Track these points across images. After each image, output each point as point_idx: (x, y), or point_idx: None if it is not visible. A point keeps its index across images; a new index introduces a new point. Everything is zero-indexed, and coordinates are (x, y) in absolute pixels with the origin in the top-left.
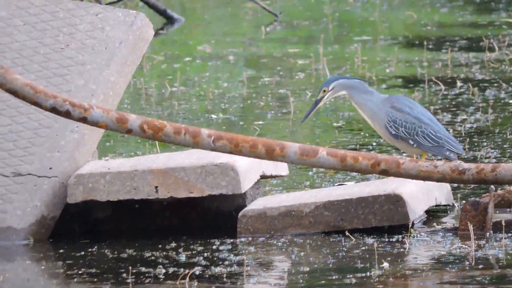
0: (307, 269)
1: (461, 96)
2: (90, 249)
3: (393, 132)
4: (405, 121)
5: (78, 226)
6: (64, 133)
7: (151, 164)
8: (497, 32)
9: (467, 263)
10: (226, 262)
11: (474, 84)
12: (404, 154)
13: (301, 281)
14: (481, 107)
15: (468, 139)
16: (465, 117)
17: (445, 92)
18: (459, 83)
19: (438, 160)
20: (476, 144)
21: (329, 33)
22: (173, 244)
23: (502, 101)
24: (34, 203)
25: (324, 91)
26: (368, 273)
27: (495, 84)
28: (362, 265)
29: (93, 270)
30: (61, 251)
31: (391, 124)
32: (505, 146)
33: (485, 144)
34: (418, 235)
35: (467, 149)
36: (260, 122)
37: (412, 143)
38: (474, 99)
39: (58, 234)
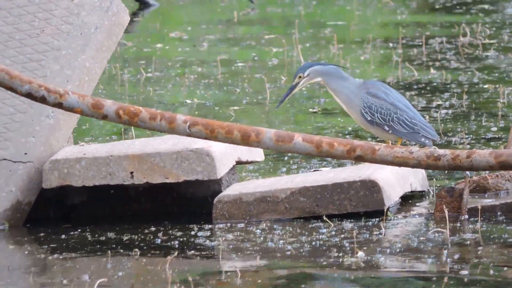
0: (285, 256)
1: (436, 81)
2: (69, 233)
3: (369, 118)
4: (380, 107)
5: (53, 212)
6: (40, 118)
7: (126, 150)
8: (473, 18)
9: (443, 249)
10: (202, 247)
11: (448, 70)
12: (380, 140)
13: (277, 267)
14: (456, 93)
15: (443, 125)
16: (440, 102)
17: (419, 77)
18: (432, 70)
19: (413, 146)
20: (451, 130)
21: (302, 19)
22: (152, 228)
23: (476, 86)
24: (9, 188)
25: (300, 77)
26: (346, 261)
27: (469, 72)
28: (339, 252)
29: (72, 254)
30: (37, 236)
31: (366, 110)
32: (480, 131)
33: (460, 130)
34: (394, 219)
35: (442, 135)
36: (236, 108)
37: (387, 129)
38: (448, 84)
39: (33, 220)
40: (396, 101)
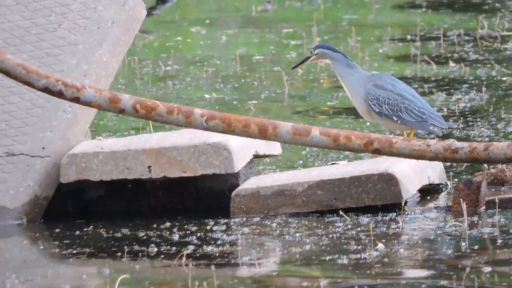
0: (301, 249)
1: (454, 74)
2: (84, 229)
3: (377, 110)
4: (387, 98)
5: (71, 206)
6: (57, 113)
7: (144, 144)
8: (489, 9)
9: (461, 242)
10: (220, 242)
11: (467, 63)
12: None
13: (295, 261)
14: (475, 86)
15: (462, 118)
16: (459, 96)
17: (437, 71)
18: (451, 63)
19: (431, 139)
20: (470, 123)
21: (321, 13)
22: (168, 224)
23: (495, 79)
24: (27, 183)
25: (311, 52)
26: (363, 254)
27: (488, 65)
28: (357, 246)
29: (88, 250)
30: (55, 230)
31: (374, 102)
32: (498, 125)
33: (479, 123)
34: (412, 213)
35: (461, 128)
36: (254, 102)
37: (395, 119)
38: (467, 77)
39: (51, 214)
40: (404, 91)
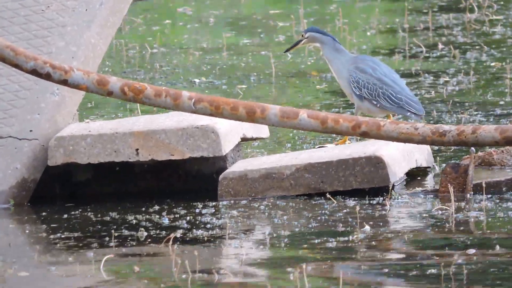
0: (289, 232)
1: (443, 58)
2: (72, 212)
3: (357, 93)
4: (367, 82)
5: (59, 189)
6: (45, 95)
7: (132, 127)
8: None
9: (447, 225)
10: (208, 226)
11: (455, 46)
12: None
13: (282, 244)
14: (463, 70)
15: (450, 101)
16: (447, 79)
17: (427, 55)
18: (440, 45)
19: (419, 123)
20: (458, 106)
21: None
22: (156, 207)
23: (484, 64)
24: (15, 166)
25: (302, 36)
26: (349, 236)
27: (477, 47)
28: (344, 228)
29: (76, 234)
30: (42, 214)
31: (355, 85)
32: (486, 108)
33: (466, 106)
34: (399, 197)
35: (448, 111)
36: (244, 86)
37: (375, 103)
38: (455, 61)
39: (39, 197)
40: (383, 76)
